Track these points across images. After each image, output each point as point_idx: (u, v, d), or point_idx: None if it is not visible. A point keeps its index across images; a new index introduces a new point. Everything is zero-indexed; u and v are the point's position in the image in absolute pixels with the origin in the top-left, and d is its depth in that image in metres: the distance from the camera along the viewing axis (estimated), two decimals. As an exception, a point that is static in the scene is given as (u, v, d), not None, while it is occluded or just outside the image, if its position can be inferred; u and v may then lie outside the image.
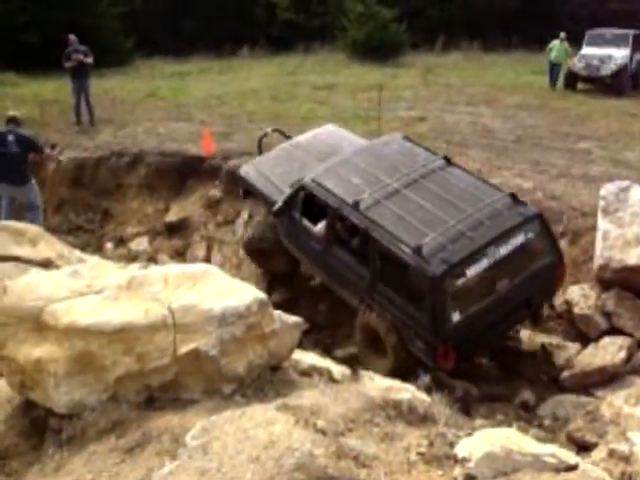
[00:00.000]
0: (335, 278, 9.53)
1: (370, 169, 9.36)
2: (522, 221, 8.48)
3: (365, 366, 8.15)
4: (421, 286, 8.10)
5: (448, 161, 9.46)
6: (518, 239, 8.38)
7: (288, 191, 9.92)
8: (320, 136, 11.50)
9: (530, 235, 8.52)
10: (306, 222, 9.76)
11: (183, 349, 4.31)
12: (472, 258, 8.03)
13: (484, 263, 8.09)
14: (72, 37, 16.48)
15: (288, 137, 12.16)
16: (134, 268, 5.27)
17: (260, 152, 11.75)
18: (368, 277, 8.77)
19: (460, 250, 8.02)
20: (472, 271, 8.04)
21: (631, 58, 22.01)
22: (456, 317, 8.00)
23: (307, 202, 9.78)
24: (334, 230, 9.34)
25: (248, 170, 11.02)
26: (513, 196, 8.77)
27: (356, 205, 8.74)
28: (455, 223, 8.24)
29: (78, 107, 16.42)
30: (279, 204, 9.91)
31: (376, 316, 8.69)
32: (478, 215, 8.38)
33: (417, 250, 7.97)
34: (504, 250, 8.23)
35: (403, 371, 7.69)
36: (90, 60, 16.28)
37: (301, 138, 11.66)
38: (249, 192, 10.95)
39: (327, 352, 8.54)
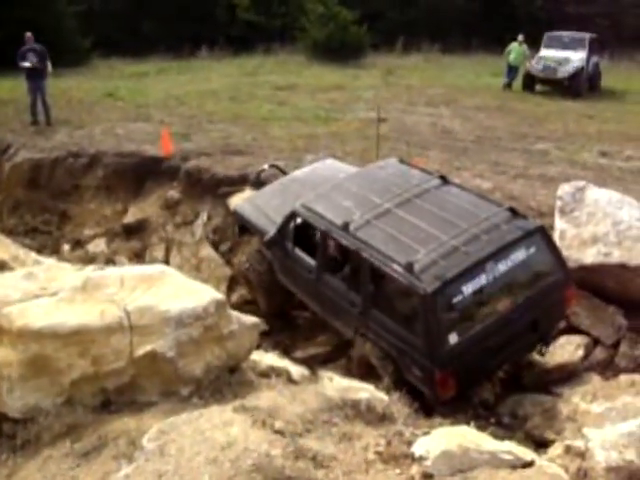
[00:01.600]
0: (328, 309, 9.06)
1: (362, 192, 8.93)
2: (522, 235, 7.92)
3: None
4: (414, 306, 7.56)
5: (444, 180, 9.02)
6: (519, 255, 7.81)
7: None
8: (318, 170, 11.10)
9: (532, 250, 7.95)
10: (298, 251, 9.35)
11: (139, 351, 4.28)
12: (469, 274, 7.45)
13: (482, 280, 7.52)
14: (29, 35, 16.12)
15: (285, 173, 11.85)
16: (90, 270, 5.20)
17: (257, 188, 11.34)
18: (360, 303, 8.26)
19: (455, 265, 7.45)
20: (469, 288, 7.43)
21: (588, 61, 22.38)
22: (454, 339, 7.33)
23: (300, 232, 9.43)
24: (325, 256, 8.92)
25: (243, 205, 10.63)
26: (512, 210, 8.26)
27: (345, 226, 8.27)
28: (449, 239, 7.73)
29: (34, 107, 16.07)
30: (271, 234, 9.58)
31: (369, 345, 8.16)
32: (474, 230, 7.85)
33: (408, 267, 7.41)
34: (503, 266, 7.67)
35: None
36: (45, 64, 15.91)
37: (298, 172, 11.30)
38: (245, 229, 10.50)
39: (287, 354, 8.50)
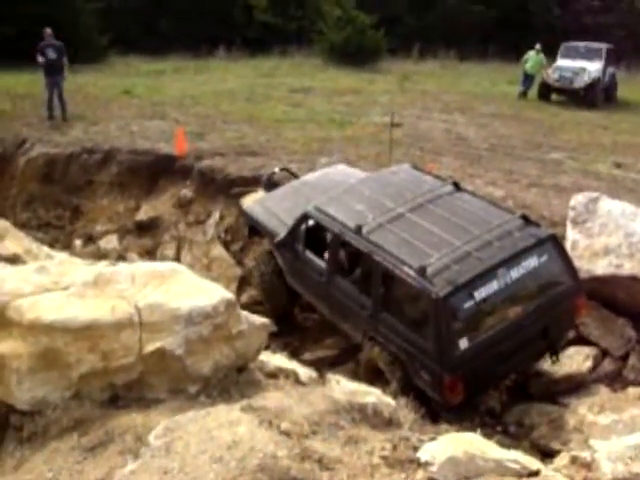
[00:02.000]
0: (338, 311, 9.05)
1: (375, 196, 8.96)
2: (534, 243, 7.93)
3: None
4: (426, 310, 7.55)
5: (457, 186, 9.04)
6: (530, 262, 7.81)
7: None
8: (329, 174, 11.15)
9: (544, 258, 7.95)
10: (309, 253, 9.37)
11: (149, 348, 4.29)
12: (481, 279, 7.47)
13: (494, 286, 7.52)
14: (48, 31, 16.28)
15: (296, 176, 11.89)
16: (102, 265, 5.22)
17: (268, 190, 11.35)
18: (371, 306, 8.24)
19: (467, 271, 7.47)
20: (481, 294, 7.44)
21: (604, 71, 22.32)
22: (464, 344, 7.34)
23: (311, 234, 9.46)
24: (336, 259, 8.91)
25: (253, 206, 10.67)
26: (525, 217, 8.29)
27: (358, 229, 8.30)
28: (462, 244, 7.76)
29: (51, 102, 16.19)
30: (282, 235, 9.60)
31: (378, 349, 8.16)
32: (487, 236, 7.87)
33: (421, 271, 7.43)
34: (516, 273, 7.68)
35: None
36: (63, 60, 16.07)
37: (310, 176, 11.36)
38: (255, 230, 10.53)
39: (295, 355, 8.49)
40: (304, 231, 9.47)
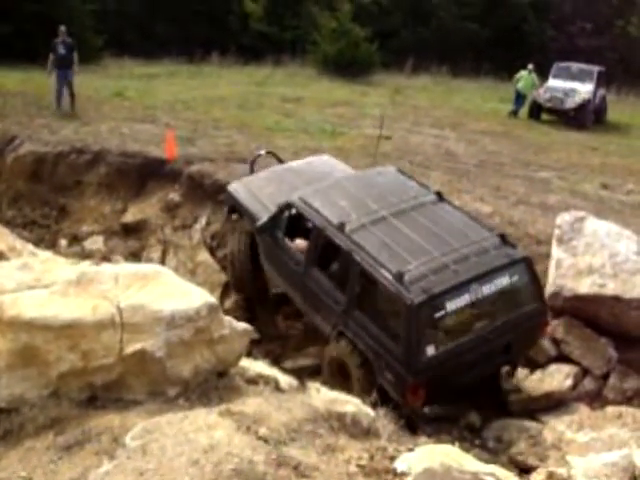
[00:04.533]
0: (311, 302, 9.20)
1: (359, 195, 9.13)
2: (508, 262, 8.16)
3: None
4: (398, 314, 7.76)
5: (440, 197, 9.24)
6: (502, 280, 8.06)
7: (273, 210, 9.72)
8: (313, 163, 11.36)
9: (515, 278, 8.20)
10: (288, 242, 9.52)
11: (129, 349, 4.27)
12: (454, 292, 7.72)
13: (465, 299, 7.78)
14: (62, 28, 17.29)
15: (281, 161, 12.08)
16: (85, 265, 5.20)
17: (252, 172, 11.56)
18: (344, 302, 8.42)
19: (442, 282, 7.70)
20: (452, 305, 7.71)
21: (595, 93, 22.48)
22: (431, 351, 7.60)
23: (291, 223, 9.58)
24: (315, 251, 9.01)
25: (237, 187, 10.77)
26: (502, 237, 8.52)
27: (341, 226, 8.47)
28: (440, 255, 8.00)
29: (59, 94, 17.06)
30: (264, 220, 9.68)
31: (346, 344, 8.35)
32: (465, 250, 8.12)
33: (398, 277, 7.66)
34: (487, 290, 7.93)
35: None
36: (73, 56, 17.09)
37: (294, 163, 11.54)
38: (235, 209, 10.67)
39: (276, 363, 8.48)
40: (286, 219, 9.60)
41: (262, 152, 12.36)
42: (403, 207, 8.78)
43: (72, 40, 17.34)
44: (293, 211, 9.47)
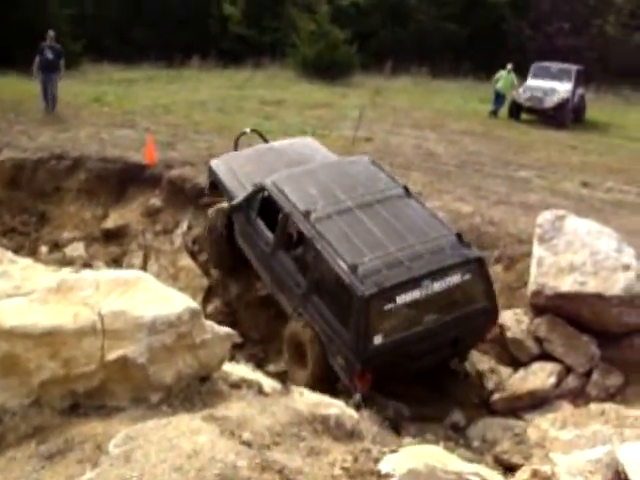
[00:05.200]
0: (276, 282, 9.64)
1: (330, 184, 9.45)
2: (461, 262, 8.51)
3: (289, 375, 8.71)
4: (350, 304, 8.07)
5: (407, 191, 9.51)
6: (454, 278, 8.41)
7: (250, 190, 10.09)
8: (295, 145, 11.71)
9: (467, 277, 8.54)
10: (260, 223, 9.84)
11: (111, 355, 4.24)
12: (405, 286, 8.07)
13: (415, 294, 8.13)
14: (50, 33, 17.70)
15: (265, 140, 12.51)
16: (66, 272, 5.16)
17: (236, 149, 12.03)
18: (304, 286, 8.85)
19: (394, 276, 8.07)
20: (402, 299, 8.06)
21: (573, 92, 22.63)
22: (378, 340, 7.99)
23: (265, 205, 9.85)
24: (283, 235, 9.41)
25: (219, 163, 11.19)
26: (459, 236, 8.81)
27: (307, 214, 8.84)
28: (396, 250, 8.35)
29: (46, 96, 17.55)
30: (238, 200, 10.10)
31: (303, 325, 8.82)
32: (420, 247, 8.46)
33: (353, 268, 8.04)
34: (438, 286, 8.28)
35: (321, 384, 7.62)
36: (59, 61, 17.62)
37: (276, 144, 11.94)
38: (215, 185, 11.07)
39: (260, 367, 8.47)
40: (259, 200, 9.90)
41: (247, 130, 12.75)
42: (369, 199, 9.14)
43: (60, 46, 17.85)
44: (266, 193, 9.76)
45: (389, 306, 8.03)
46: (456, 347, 8.85)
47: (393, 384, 8.47)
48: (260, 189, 9.81)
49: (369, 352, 7.96)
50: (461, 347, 8.99)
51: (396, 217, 8.90)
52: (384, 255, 8.28)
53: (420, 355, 8.38)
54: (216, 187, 11.01)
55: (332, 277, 8.40)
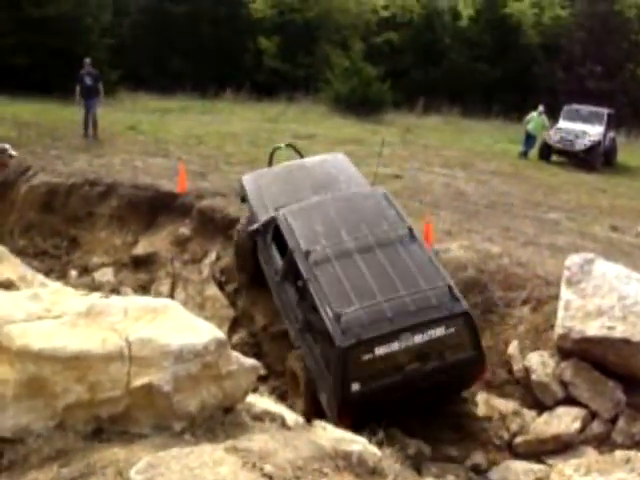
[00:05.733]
0: (284, 310, 9.94)
1: (337, 220, 9.62)
2: (446, 316, 8.60)
3: (289, 400, 9.00)
4: (331, 351, 8.36)
5: (411, 233, 9.55)
6: (437, 331, 8.52)
7: (271, 212, 10.29)
8: (325, 163, 11.82)
9: (451, 330, 8.62)
10: (274, 249, 10.04)
11: (137, 382, 4.26)
12: (384, 339, 8.29)
13: (395, 346, 8.32)
14: (87, 60, 18.74)
15: (301, 155, 12.71)
16: (95, 297, 5.22)
17: (270, 165, 12.26)
18: (300, 321, 9.14)
19: (375, 329, 8.28)
20: (380, 350, 8.28)
21: (604, 135, 22.59)
22: (355, 387, 8.26)
23: (278, 233, 10.00)
24: (289, 267, 9.54)
25: (249, 179, 11.47)
26: (450, 288, 8.83)
27: (307, 254, 9.02)
28: (382, 301, 8.51)
29: (87, 122, 18.26)
30: (256, 225, 10.44)
31: (297, 358, 9.22)
32: (407, 299, 8.60)
33: (337, 317, 8.26)
34: (419, 338, 8.43)
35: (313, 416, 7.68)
36: (98, 87, 18.51)
37: (308, 160, 12.16)
38: (245, 199, 11.39)
39: (283, 400, 8.46)
40: (273, 228, 10.09)
41: (282, 145, 13.02)
42: (370, 242, 9.27)
43: (97, 71, 18.74)
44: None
45: (367, 356, 8.26)
46: (441, 393, 9.10)
47: (414, 424, 8.41)
48: (273, 219, 10.03)
49: (347, 397, 8.27)
50: (446, 393, 9.25)
51: (392, 264, 9.02)
52: (370, 305, 8.45)
53: (402, 401, 8.63)
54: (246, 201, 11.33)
55: (320, 321, 8.61)
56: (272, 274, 10.14)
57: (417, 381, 8.52)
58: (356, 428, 7.96)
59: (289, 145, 13.04)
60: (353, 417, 8.08)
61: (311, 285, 8.78)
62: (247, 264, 11.26)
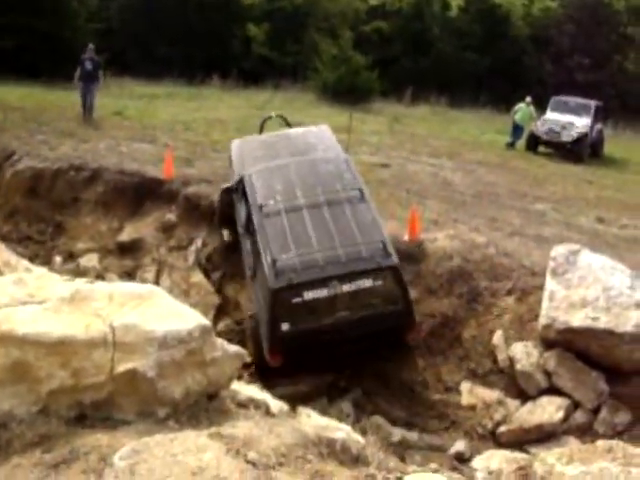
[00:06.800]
0: (244, 260, 10.59)
1: (295, 180, 10.35)
2: (373, 268, 9.17)
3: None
4: (266, 293, 9.10)
5: (362, 194, 10.11)
6: (365, 282, 9.13)
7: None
8: (308, 133, 12.39)
9: (379, 282, 9.22)
10: (242, 205, 10.60)
11: (120, 368, 4.24)
12: (313, 285, 9.01)
13: (323, 292, 9.02)
14: (90, 46, 19.32)
15: (289, 126, 13.49)
16: (80, 282, 5.19)
17: (261, 133, 12.91)
18: (250, 270, 9.96)
19: (305, 275, 9.04)
20: (309, 295, 9.01)
21: (592, 127, 22.68)
22: (285, 327, 9.04)
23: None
24: (248, 221, 10.19)
25: (237, 144, 12.09)
26: (383, 244, 9.40)
27: (260, 207, 9.82)
28: (318, 250, 9.28)
29: (85, 103, 18.94)
30: (230, 184, 11.29)
31: (248, 303, 10.11)
32: (341, 251, 9.28)
33: (273, 263, 9.06)
34: (347, 287, 9.09)
35: (260, 362, 9.37)
36: (98, 73, 19.17)
37: (293, 131, 12.83)
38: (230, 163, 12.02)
39: (268, 388, 8.47)
40: (242, 186, 10.68)
41: (272, 114, 13.80)
42: (320, 200, 9.96)
43: (98, 58, 19.28)
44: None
45: (297, 299, 9.01)
46: (370, 344, 9.66)
47: (399, 412, 8.45)
48: (241, 179, 10.73)
49: (277, 335, 9.07)
50: (375, 344, 9.77)
51: (335, 220, 9.70)
52: (305, 254, 9.23)
53: (331, 346, 9.31)
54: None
55: (261, 266, 9.32)
56: (239, 229, 10.82)
57: (345, 329, 9.15)
58: (287, 367, 9.15)
59: (279, 115, 13.75)
60: (284, 355, 9.14)
61: (259, 234, 9.56)
62: (225, 219, 11.78)
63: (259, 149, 11.74)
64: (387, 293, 9.36)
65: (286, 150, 11.45)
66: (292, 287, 8.98)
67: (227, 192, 11.42)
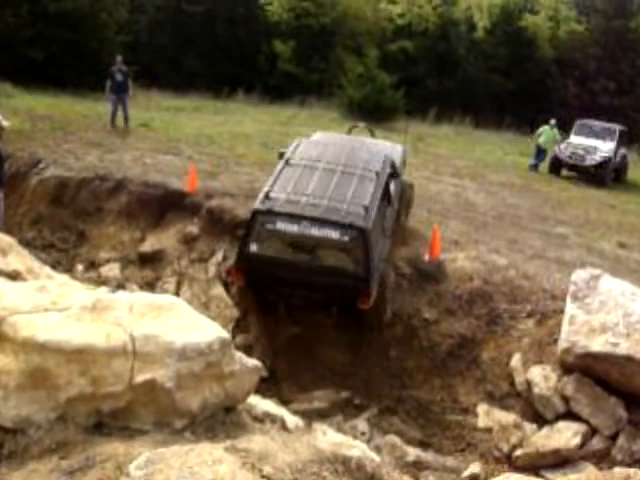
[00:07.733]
0: None
1: (330, 151, 11.34)
2: (343, 223, 9.76)
3: None
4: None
5: (377, 177, 10.70)
6: (331, 233, 9.79)
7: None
8: (371, 143, 13.20)
9: (345, 238, 9.79)
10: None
11: (139, 378, 4.27)
12: (287, 217, 9.84)
13: (294, 228, 9.84)
14: (119, 58, 19.66)
15: (373, 135, 14.41)
16: (102, 291, 5.23)
17: None
18: None
19: (284, 207, 9.92)
20: (280, 226, 9.85)
21: (616, 152, 22.56)
22: (253, 248, 9.98)
23: None
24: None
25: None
26: (366, 209, 9.92)
27: (288, 160, 10.86)
28: (309, 194, 10.13)
29: (114, 115, 19.27)
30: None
31: None
32: (324, 201, 10.04)
33: (267, 194, 10.10)
34: (315, 232, 9.79)
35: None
36: (128, 83, 19.44)
37: (361, 138, 13.85)
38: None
39: (284, 403, 8.46)
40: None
41: (360, 125, 14.67)
42: (337, 169, 10.72)
43: (127, 68, 19.52)
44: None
45: (269, 226, 9.88)
46: (327, 297, 10.36)
47: (415, 432, 8.41)
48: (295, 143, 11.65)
49: (245, 253, 10.07)
50: (331, 300, 10.45)
51: (339, 184, 10.43)
52: (298, 195, 10.10)
53: (288, 283, 10.15)
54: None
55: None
56: None
57: (304, 271, 9.89)
58: (248, 288, 10.69)
59: (366, 127, 14.58)
60: (245, 275, 10.28)
61: (274, 176, 10.58)
62: None
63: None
64: (350, 253, 9.93)
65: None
66: (270, 212, 9.86)
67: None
